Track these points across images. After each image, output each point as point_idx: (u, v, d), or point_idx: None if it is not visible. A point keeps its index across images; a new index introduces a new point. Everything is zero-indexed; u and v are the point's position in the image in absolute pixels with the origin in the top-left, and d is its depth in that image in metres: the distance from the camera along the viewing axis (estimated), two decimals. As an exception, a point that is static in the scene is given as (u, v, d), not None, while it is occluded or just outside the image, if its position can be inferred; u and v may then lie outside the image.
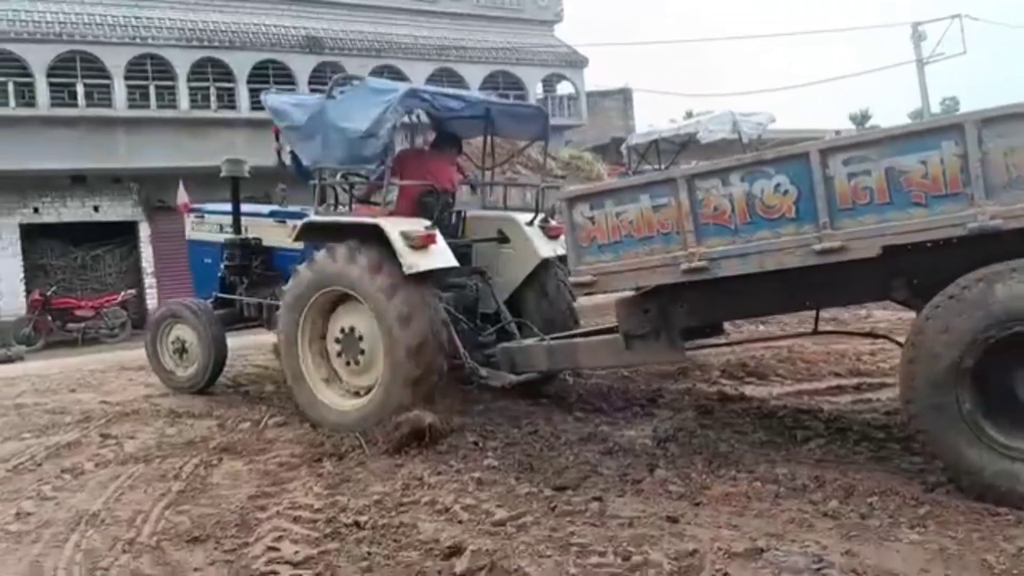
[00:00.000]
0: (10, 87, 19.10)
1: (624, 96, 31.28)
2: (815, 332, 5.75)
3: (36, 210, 20.10)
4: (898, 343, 5.25)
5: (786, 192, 4.27)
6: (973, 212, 3.86)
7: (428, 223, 5.95)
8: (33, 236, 20.23)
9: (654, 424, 5.66)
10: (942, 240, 4.10)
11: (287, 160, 7.16)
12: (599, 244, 4.86)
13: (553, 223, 6.81)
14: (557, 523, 3.90)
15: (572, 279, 5.09)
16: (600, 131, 27.46)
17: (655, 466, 4.67)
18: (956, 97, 37.15)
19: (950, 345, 3.89)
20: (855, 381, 6.67)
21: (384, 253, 5.74)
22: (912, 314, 4.39)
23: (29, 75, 19.18)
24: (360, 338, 5.98)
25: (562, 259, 6.38)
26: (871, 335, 6.48)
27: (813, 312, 5.56)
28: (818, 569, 3.25)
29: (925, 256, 4.14)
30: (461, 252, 6.47)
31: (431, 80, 22.52)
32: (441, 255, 5.84)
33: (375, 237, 5.79)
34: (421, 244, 5.73)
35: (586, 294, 5.63)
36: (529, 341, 6.11)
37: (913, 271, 4.35)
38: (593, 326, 6.81)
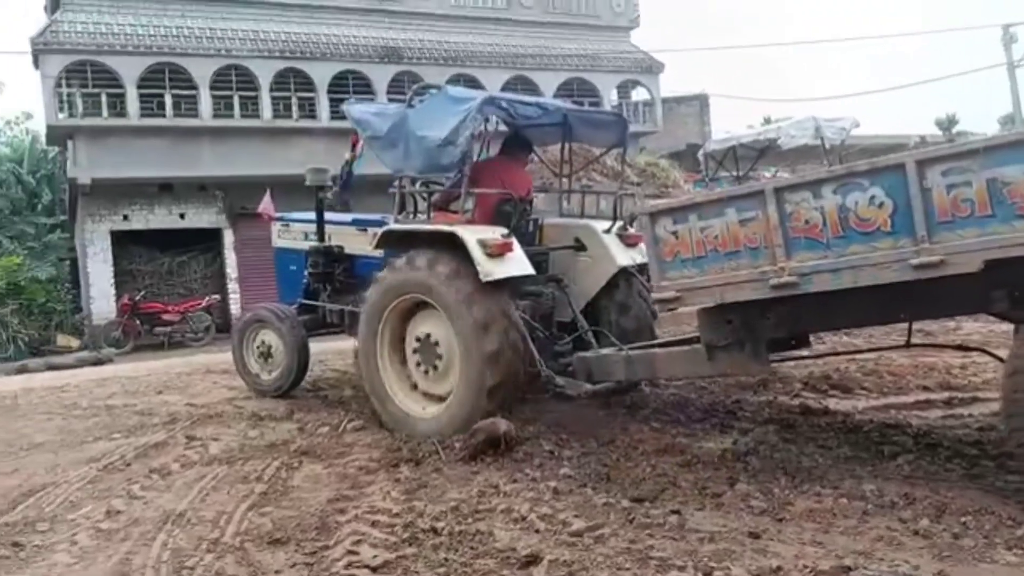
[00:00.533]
0: (103, 98, 19.95)
1: (700, 102, 30.91)
2: (908, 345, 5.54)
3: (126, 217, 20.90)
4: (996, 356, 5.04)
5: (881, 204, 4.12)
6: None
7: (505, 231, 5.96)
8: (123, 243, 21.04)
9: (734, 437, 5.55)
10: None
11: (356, 169, 7.23)
12: (682, 259, 4.77)
13: (631, 231, 6.73)
14: (635, 535, 3.84)
15: (655, 295, 5.00)
16: (676, 138, 27.17)
17: (735, 480, 4.57)
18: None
19: None
20: (945, 395, 6.41)
21: (461, 261, 5.77)
22: (1007, 327, 4.20)
23: (120, 86, 20.01)
24: (437, 345, 6.01)
25: (641, 268, 6.31)
26: (965, 348, 6.21)
27: (902, 324, 5.36)
28: (909, 590, 3.14)
29: None
30: (538, 260, 6.45)
31: (506, 88, 22.67)
32: (518, 263, 5.84)
33: (453, 245, 5.83)
34: (498, 252, 5.74)
35: (669, 310, 5.55)
36: (606, 350, 6.04)
37: (1015, 283, 4.16)
38: (668, 336, 6.72)
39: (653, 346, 6.05)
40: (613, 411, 6.37)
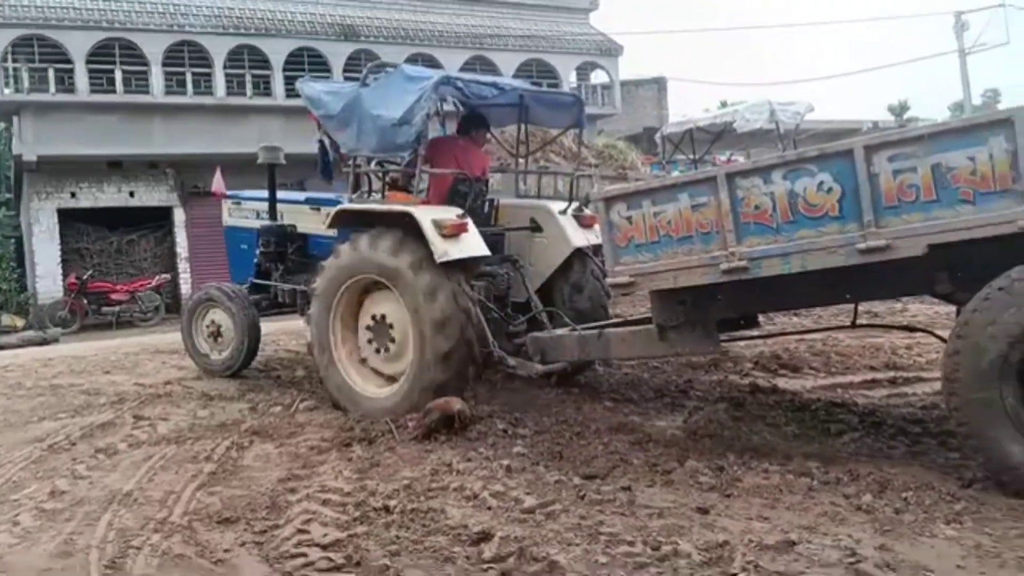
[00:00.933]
0: (50, 73, 19.42)
1: (658, 85, 31.06)
2: (853, 325, 5.67)
3: (73, 195, 20.43)
4: (938, 336, 5.17)
5: (830, 190, 4.20)
6: None
7: (460, 211, 5.93)
8: (70, 221, 20.58)
9: (685, 415, 5.62)
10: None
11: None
12: (636, 244, 4.81)
13: (587, 212, 6.75)
14: (586, 511, 3.88)
15: (609, 280, 5.04)
16: (634, 120, 27.27)
17: (686, 457, 4.63)
18: (998, 89, 36.26)
19: (996, 338, 3.82)
20: (890, 375, 6.57)
21: (416, 241, 5.74)
22: (951, 308, 4.30)
23: (69, 62, 19.48)
24: (391, 325, 5.99)
25: (595, 249, 6.33)
26: (910, 328, 6.37)
27: (848, 305, 5.48)
28: (851, 563, 3.21)
29: (970, 250, 4.03)
30: (493, 240, 6.44)
31: (465, 68, 22.51)
32: (473, 243, 5.83)
33: (407, 225, 5.79)
34: (453, 232, 5.72)
35: (624, 294, 5.59)
36: (560, 331, 6.07)
37: (957, 265, 4.25)
38: (623, 316, 6.77)
39: (607, 326, 6.09)
40: (567, 390, 6.41)
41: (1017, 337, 3.79)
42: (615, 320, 6.45)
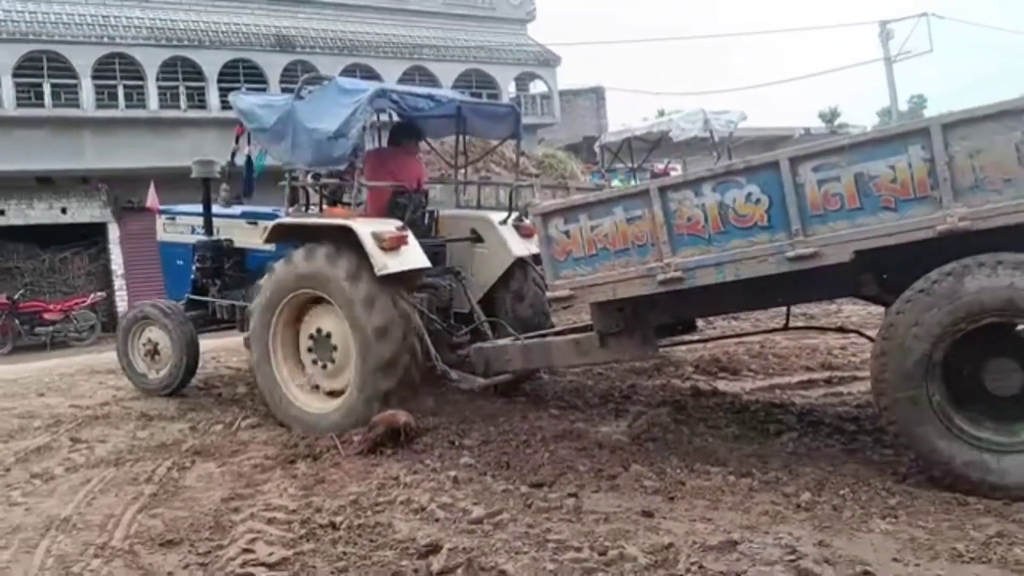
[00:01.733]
0: (-26, 88, 18.80)
1: (597, 95, 31.35)
2: (786, 328, 5.85)
3: (2, 212, 19.79)
4: (869, 337, 5.33)
5: (758, 201, 4.33)
6: (942, 215, 3.93)
7: (399, 223, 5.93)
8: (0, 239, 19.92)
9: (629, 420, 5.69)
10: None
11: (240, 161, 7.09)
12: (575, 257, 4.87)
13: (527, 222, 6.80)
14: (533, 520, 3.91)
15: (549, 294, 5.08)
16: (573, 130, 27.54)
17: (630, 462, 4.69)
18: (923, 95, 37.60)
19: (920, 338, 3.96)
20: (826, 375, 6.75)
21: (355, 254, 5.72)
22: (882, 309, 4.45)
23: (-7, 75, 18.88)
24: (331, 339, 5.95)
25: (536, 258, 6.38)
26: (842, 330, 6.57)
27: (785, 308, 5.63)
28: (791, 560, 3.28)
29: (894, 253, 4.19)
30: (434, 252, 6.46)
31: (404, 79, 22.44)
32: (413, 255, 5.83)
33: (346, 239, 5.76)
34: (393, 245, 5.71)
35: (564, 307, 5.66)
36: (503, 341, 6.11)
37: (882, 268, 4.41)
38: (566, 324, 6.83)
39: (549, 335, 6.15)
40: (513, 399, 6.44)
41: (939, 337, 3.94)
42: (558, 328, 6.52)
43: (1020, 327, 3.91)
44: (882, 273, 4.46)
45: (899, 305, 4.07)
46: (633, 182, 15.47)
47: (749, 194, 4.34)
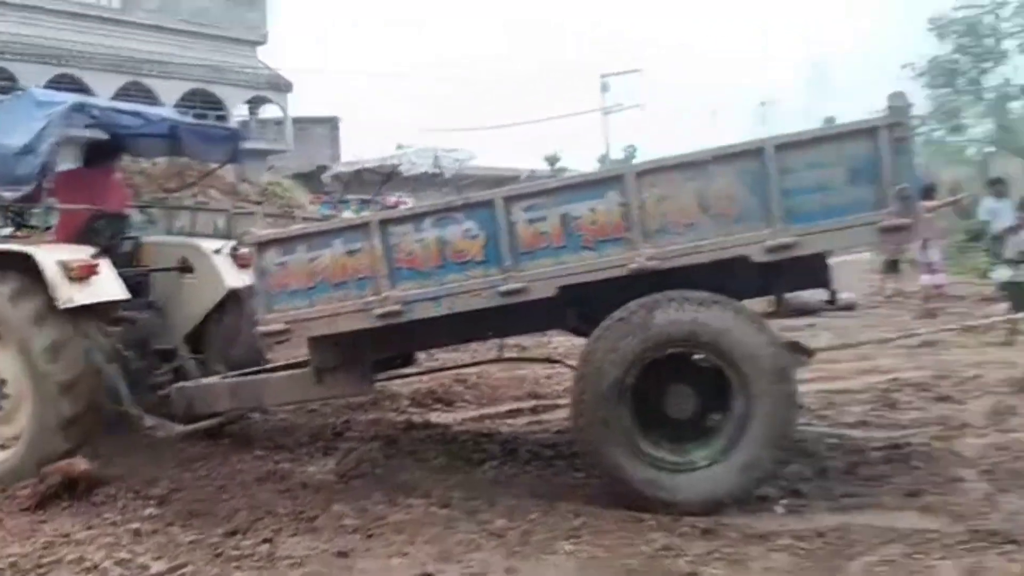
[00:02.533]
0: None
1: (332, 124, 31.16)
2: (500, 359, 6.06)
3: None
4: (571, 367, 5.66)
5: (475, 237, 4.46)
6: (633, 254, 4.28)
7: (93, 251, 5.46)
8: None
9: (338, 458, 5.58)
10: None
11: None
12: (291, 290, 4.71)
13: (245, 251, 6.51)
14: (222, 570, 3.73)
15: (261, 328, 4.84)
16: (308, 158, 27.07)
17: (332, 501, 4.58)
18: (635, 145, 41.21)
19: (615, 364, 4.27)
20: (532, 403, 7.05)
21: (36, 285, 5.18)
22: (584, 340, 4.75)
23: None
24: (4, 382, 5.33)
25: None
26: (549, 360, 6.92)
27: (503, 338, 5.86)
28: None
29: (594, 289, 4.47)
30: (135, 282, 6.00)
31: (120, 94, 20.92)
32: (106, 286, 5.38)
33: (28, 268, 5.21)
34: (82, 275, 5.24)
35: (278, 343, 5.46)
36: (209, 380, 5.76)
37: (583, 301, 4.71)
38: (284, 359, 6.60)
39: (261, 372, 5.90)
40: (215, 441, 6.06)
41: (631, 363, 4.27)
42: (271, 365, 6.27)
43: (696, 356, 4.34)
44: (584, 307, 4.75)
45: (599, 332, 4.36)
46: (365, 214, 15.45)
47: (467, 230, 4.47)
